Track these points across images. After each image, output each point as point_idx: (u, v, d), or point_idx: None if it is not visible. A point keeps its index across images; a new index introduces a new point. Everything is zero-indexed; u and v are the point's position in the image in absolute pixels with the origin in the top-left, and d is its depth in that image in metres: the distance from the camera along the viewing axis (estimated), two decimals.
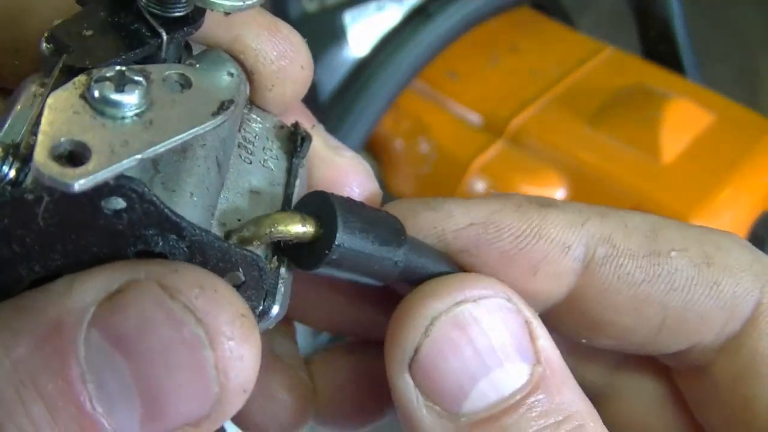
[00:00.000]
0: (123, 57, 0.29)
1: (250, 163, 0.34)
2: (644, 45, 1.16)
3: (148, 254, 0.27)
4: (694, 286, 0.33)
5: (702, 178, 0.90)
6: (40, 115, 0.26)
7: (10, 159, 0.26)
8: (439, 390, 0.30)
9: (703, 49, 1.16)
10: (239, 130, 0.35)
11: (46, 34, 0.30)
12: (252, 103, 0.37)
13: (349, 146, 0.98)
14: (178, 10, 0.30)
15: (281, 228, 0.30)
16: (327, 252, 0.30)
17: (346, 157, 0.39)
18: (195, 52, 0.33)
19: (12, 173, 0.26)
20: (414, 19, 1.00)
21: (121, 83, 0.26)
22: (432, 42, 0.99)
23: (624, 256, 0.34)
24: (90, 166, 0.24)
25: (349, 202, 0.31)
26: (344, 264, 0.30)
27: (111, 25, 0.30)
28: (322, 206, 0.31)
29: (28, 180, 0.26)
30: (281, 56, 0.34)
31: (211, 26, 0.31)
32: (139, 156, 0.25)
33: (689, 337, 0.35)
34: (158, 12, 0.30)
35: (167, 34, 0.30)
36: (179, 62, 0.31)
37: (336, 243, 0.29)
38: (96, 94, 0.26)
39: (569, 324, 0.36)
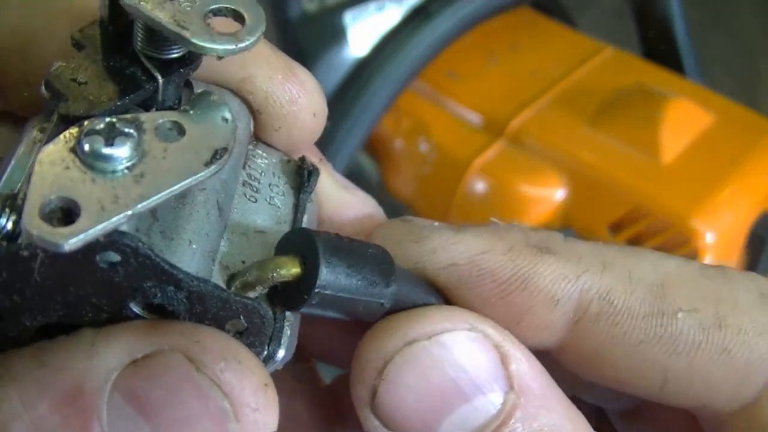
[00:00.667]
0: (118, 104, 0.28)
1: (255, 201, 0.34)
2: (644, 45, 1.16)
3: (147, 305, 0.27)
4: (701, 351, 0.30)
5: (702, 178, 0.90)
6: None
7: (7, 211, 0.26)
8: (404, 428, 0.29)
9: (703, 49, 1.16)
10: (244, 167, 0.35)
11: (44, 80, 0.29)
12: (258, 138, 0.36)
13: (349, 146, 0.98)
14: (174, 51, 0.29)
15: (284, 272, 0.29)
16: (306, 296, 0.29)
17: (357, 196, 0.38)
18: (197, 89, 0.32)
19: (9, 225, 0.26)
20: (414, 19, 1.00)
21: (111, 136, 0.26)
22: (432, 42, 0.99)
23: (621, 315, 0.31)
24: (80, 224, 0.23)
25: (334, 240, 0.30)
26: (328, 306, 0.30)
27: (107, 69, 0.29)
28: (305, 245, 0.30)
29: (23, 236, 0.26)
30: (292, 102, 0.33)
31: (222, 64, 0.30)
32: (129, 212, 0.24)
33: (695, 399, 0.32)
34: (154, 55, 0.29)
35: (163, 77, 0.29)
36: (179, 102, 0.31)
37: (316, 290, 0.29)
38: (86, 148, 0.25)
39: (566, 365, 0.34)
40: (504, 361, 0.30)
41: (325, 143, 0.96)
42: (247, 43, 0.28)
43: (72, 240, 0.23)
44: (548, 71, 1.05)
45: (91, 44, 0.30)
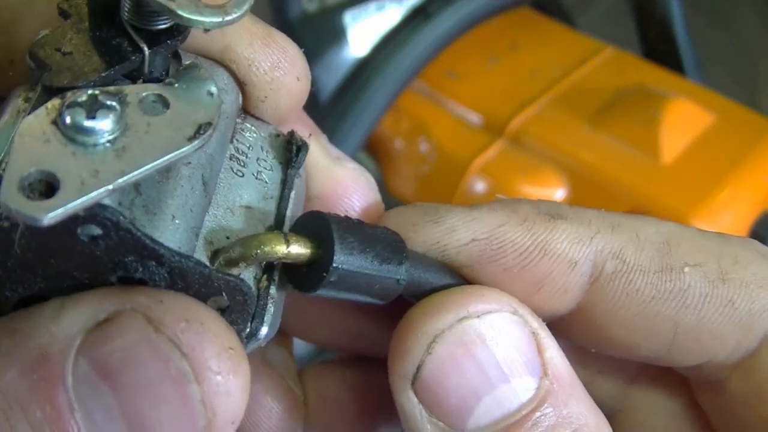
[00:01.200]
0: (103, 75, 0.28)
1: (242, 176, 0.33)
2: (644, 45, 1.16)
3: (129, 280, 0.26)
4: (708, 303, 0.32)
5: (702, 178, 0.90)
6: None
7: None
8: (444, 407, 0.30)
9: (703, 49, 1.16)
10: (231, 141, 0.34)
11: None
12: (246, 112, 0.36)
13: (349, 146, 0.98)
14: (162, 23, 0.29)
15: (267, 249, 0.29)
16: (325, 275, 0.29)
17: (348, 168, 0.38)
18: (185, 60, 0.32)
19: None
20: (414, 19, 1.00)
21: (94, 108, 0.25)
22: (432, 42, 0.99)
23: (634, 272, 0.32)
24: (59, 198, 0.23)
25: (346, 221, 0.30)
26: (344, 285, 0.30)
27: (92, 40, 0.29)
28: (319, 227, 0.30)
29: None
30: (275, 67, 0.33)
31: (202, 34, 0.30)
32: (110, 187, 0.24)
33: (701, 353, 0.34)
34: (141, 25, 0.29)
35: (149, 48, 0.29)
36: (166, 73, 0.30)
37: (334, 265, 0.29)
38: (67, 120, 0.25)
39: (578, 334, 0.35)
40: (540, 347, 0.31)
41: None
42: (235, 15, 0.28)
43: (51, 214, 0.23)
44: (548, 71, 1.05)
45: (77, 13, 0.30)
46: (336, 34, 1.30)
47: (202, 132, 0.27)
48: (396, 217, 0.35)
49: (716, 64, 1.36)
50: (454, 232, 0.32)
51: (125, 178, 0.25)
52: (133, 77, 0.30)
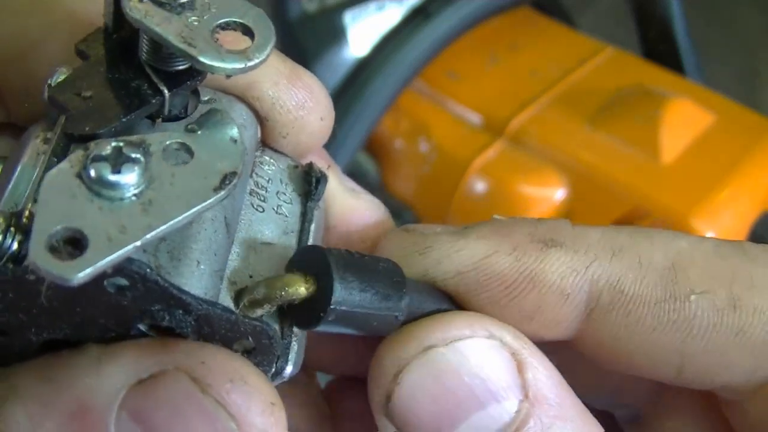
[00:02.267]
0: (123, 120, 0.28)
1: (263, 211, 0.33)
2: (644, 45, 1.16)
3: (156, 327, 0.26)
4: (716, 333, 0.30)
5: (702, 178, 0.90)
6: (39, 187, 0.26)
7: (12, 231, 0.25)
8: None
9: (703, 49, 1.16)
10: (251, 175, 0.34)
11: (47, 92, 0.29)
12: (265, 144, 0.36)
13: (349, 147, 0.98)
14: (181, 64, 0.29)
15: (291, 291, 0.29)
16: (322, 314, 0.29)
17: (364, 199, 0.38)
18: (203, 95, 0.32)
19: (14, 246, 0.25)
20: (414, 19, 1.00)
21: (119, 162, 0.25)
22: (432, 42, 0.99)
23: (633, 303, 0.30)
24: (88, 256, 0.23)
25: (346, 256, 0.30)
26: (342, 323, 0.29)
27: (111, 82, 0.29)
28: (317, 262, 0.30)
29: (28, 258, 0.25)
30: (299, 107, 0.33)
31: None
32: (138, 243, 0.24)
33: (713, 380, 0.32)
34: (160, 67, 0.29)
35: (169, 90, 0.29)
36: (185, 110, 0.30)
37: (331, 305, 0.29)
38: (93, 174, 0.25)
39: (585, 354, 0.33)
40: (520, 368, 0.30)
41: (325, 143, 0.96)
42: (257, 61, 0.27)
43: (80, 274, 0.23)
44: (548, 71, 1.05)
45: (95, 54, 0.30)
46: (336, 34, 1.30)
47: (227, 182, 0.27)
48: (388, 246, 0.34)
49: (716, 64, 1.36)
50: (440, 265, 0.31)
51: (153, 233, 0.25)
52: (152, 116, 0.30)
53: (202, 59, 0.27)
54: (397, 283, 0.31)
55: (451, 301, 0.32)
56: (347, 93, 0.97)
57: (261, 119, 0.33)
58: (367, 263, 0.30)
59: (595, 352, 0.32)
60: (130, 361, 0.25)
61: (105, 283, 0.25)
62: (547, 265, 0.31)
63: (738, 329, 0.30)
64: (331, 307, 0.28)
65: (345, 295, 0.29)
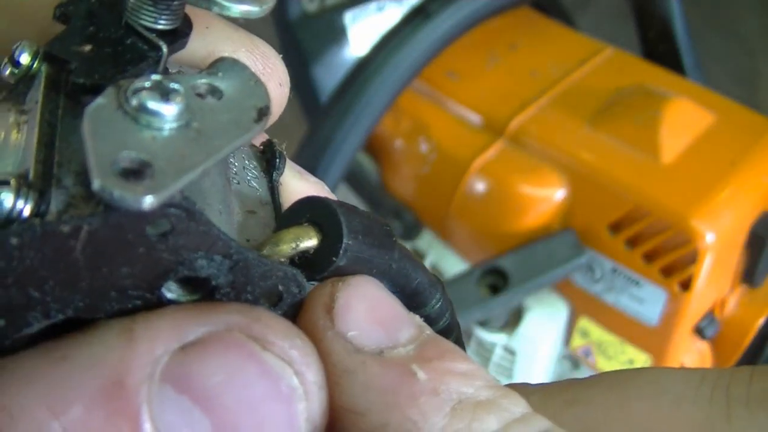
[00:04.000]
0: (132, 69, 0.27)
1: (239, 183, 0.33)
2: (644, 45, 1.16)
3: (187, 282, 0.25)
4: None
5: (702, 178, 0.90)
6: (47, 139, 0.25)
7: (25, 191, 0.23)
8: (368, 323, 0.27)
9: (703, 49, 1.16)
10: None
11: (26, 51, 0.28)
12: None
13: (349, 146, 0.98)
14: (170, 22, 0.28)
15: (302, 244, 0.28)
16: (335, 258, 0.28)
17: (310, 182, 0.38)
18: (171, 69, 0.31)
19: (28, 207, 0.23)
20: (414, 19, 1.00)
21: (165, 92, 0.24)
22: (432, 42, 1.00)
23: None
24: (156, 181, 0.22)
25: (344, 205, 0.30)
26: (349, 270, 0.29)
27: (103, 40, 0.28)
28: (318, 212, 0.29)
29: (52, 209, 0.23)
30: (259, 74, 0.32)
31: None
32: (201, 168, 0.23)
33: None
34: (151, 25, 0.28)
35: (168, 46, 0.28)
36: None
37: (343, 248, 0.28)
38: (136, 104, 0.24)
39: None
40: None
41: (325, 143, 0.96)
42: (268, 5, 0.27)
43: (150, 197, 0.21)
44: (548, 71, 1.06)
45: (78, 17, 0.29)
46: (336, 34, 1.30)
47: (264, 113, 0.26)
48: None
49: (716, 64, 1.36)
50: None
51: (213, 158, 0.23)
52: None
53: (221, 0, 0.26)
54: (388, 233, 0.31)
55: (429, 272, 0.33)
56: (347, 93, 0.97)
57: None
58: (360, 212, 0.30)
59: None
60: (170, 325, 0.22)
61: (147, 228, 0.23)
62: None
63: None
64: (343, 248, 0.28)
65: (352, 238, 0.28)
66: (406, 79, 0.99)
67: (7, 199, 0.22)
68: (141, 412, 0.21)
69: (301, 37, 1.26)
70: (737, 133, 0.96)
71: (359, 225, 0.29)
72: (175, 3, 0.28)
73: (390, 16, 1.31)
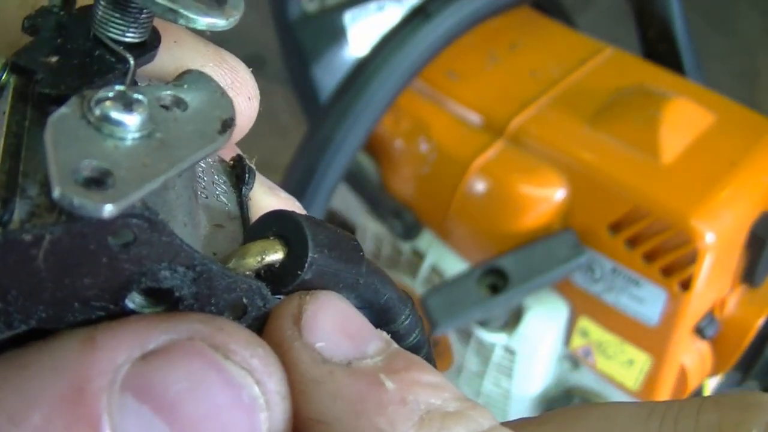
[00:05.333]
0: (99, 81, 0.27)
1: (207, 197, 0.33)
2: (644, 45, 1.16)
3: (151, 293, 0.25)
4: None
5: (702, 178, 0.90)
6: (13, 150, 0.25)
7: None
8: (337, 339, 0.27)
9: (703, 49, 1.16)
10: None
11: None
12: None
13: (349, 146, 0.98)
14: (138, 35, 0.28)
15: (267, 257, 0.28)
16: (299, 272, 0.28)
17: (281, 197, 0.37)
18: (141, 83, 0.31)
19: None
20: (414, 19, 1.00)
21: (127, 102, 0.24)
22: (432, 42, 1.00)
23: None
24: (117, 189, 0.22)
25: (310, 218, 0.30)
26: (313, 285, 0.29)
27: (71, 51, 0.28)
28: (284, 226, 0.29)
29: (15, 218, 0.23)
30: (227, 87, 0.32)
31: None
32: (163, 177, 0.23)
33: None
34: (118, 38, 0.28)
35: (135, 59, 0.28)
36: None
37: (308, 261, 0.28)
38: (99, 113, 0.24)
39: None
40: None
41: (325, 143, 0.96)
42: (234, 18, 0.27)
43: (109, 206, 0.21)
44: (548, 71, 1.06)
45: (45, 29, 0.29)
46: (336, 34, 1.30)
47: (228, 125, 0.26)
48: None
49: (716, 64, 1.36)
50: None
51: (175, 168, 0.24)
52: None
53: (186, 13, 0.26)
54: (356, 248, 0.31)
55: (398, 290, 0.33)
56: (347, 93, 0.98)
57: None
58: (327, 226, 0.30)
59: None
60: (131, 334, 0.22)
61: (109, 239, 0.23)
62: None
63: None
64: (308, 262, 0.28)
65: (318, 252, 0.28)
66: (406, 79, 0.99)
67: None
68: (101, 420, 0.21)
69: (301, 37, 1.26)
70: (737, 133, 0.96)
71: (325, 239, 0.29)
72: (143, 16, 0.28)
73: (390, 16, 1.31)
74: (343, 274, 0.30)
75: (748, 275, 0.95)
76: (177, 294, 0.25)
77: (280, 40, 1.29)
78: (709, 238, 0.86)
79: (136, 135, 0.24)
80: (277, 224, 0.30)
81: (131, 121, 0.24)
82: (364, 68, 0.98)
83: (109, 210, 0.21)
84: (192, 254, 0.25)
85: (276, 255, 0.28)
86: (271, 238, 0.29)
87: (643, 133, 0.93)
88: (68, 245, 0.22)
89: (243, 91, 0.33)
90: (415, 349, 0.33)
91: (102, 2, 0.28)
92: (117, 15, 0.28)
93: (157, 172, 0.23)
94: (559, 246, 0.93)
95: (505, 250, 0.95)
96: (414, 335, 0.33)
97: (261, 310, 0.28)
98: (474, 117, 1.02)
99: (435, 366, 0.29)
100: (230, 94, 0.30)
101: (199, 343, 0.23)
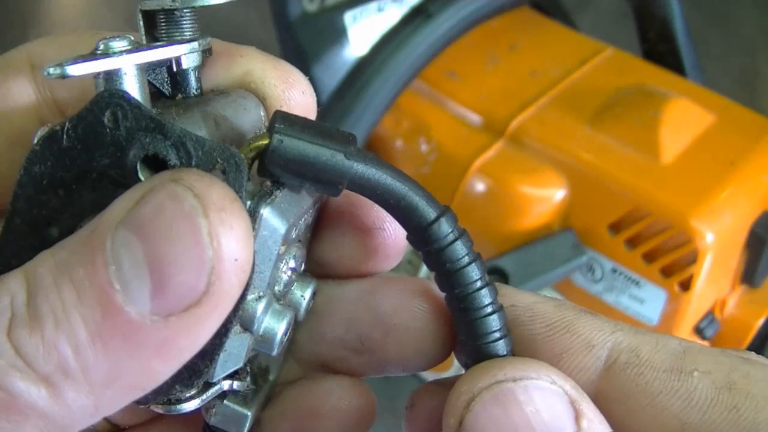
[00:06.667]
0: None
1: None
2: (644, 45, 1.16)
3: (154, 164, 0.31)
4: (713, 407, 0.35)
5: (702, 178, 0.90)
6: None
7: None
8: None
9: (703, 49, 1.16)
10: None
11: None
12: None
13: None
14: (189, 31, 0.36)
15: (255, 144, 0.33)
16: (270, 141, 0.33)
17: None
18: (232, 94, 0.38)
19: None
20: (414, 19, 1.00)
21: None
22: (432, 42, 1.00)
23: (645, 366, 0.36)
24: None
25: (302, 117, 0.35)
26: (290, 166, 0.33)
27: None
28: (273, 121, 0.34)
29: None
30: (283, 80, 0.39)
31: (222, 66, 0.38)
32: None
33: None
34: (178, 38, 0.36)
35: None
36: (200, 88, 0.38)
37: (274, 142, 0.33)
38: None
39: (602, 410, 0.38)
40: (578, 417, 0.34)
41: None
42: None
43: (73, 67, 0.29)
44: (548, 71, 1.06)
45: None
46: (336, 34, 1.30)
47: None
48: None
49: (716, 65, 1.36)
50: (503, 297, 0.38)
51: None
52: (163, 94, 0.37)
53: None
54: (347, 135, 0.35)
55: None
56: (347, 93, 0.98)
57: (261, 100, 0.40)
58: (320, 123, 0.35)
59: (610, 408, 0.37)
60: (130, 192, 0.30)
61: (104, 118, 0.30)
62: (580, 320, 0.37)
63: (732, 406, 0.34)
64: (274, 143, 0.33)
65: (287, 125, 0.33)
66: (406, 79, 0.99)
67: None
68: (100, 246, 0.29)
69: (301, 37, 1.26)
70: (737, 133, 0.96)
71: (300, 123, 0.34)
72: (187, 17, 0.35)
73: (390, 16, 1.31)
74: (326, 148, 0.34)
75: (748, 275, 0.95)
76: (171, 163, 0.31)
77: (280, 40, 1.29)
78: (709, 238, 0.86)
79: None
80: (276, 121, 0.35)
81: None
82: (364, 68, 0.98)
83: (68, 70, 0.29)
84: (162, 122, 0.31)
85: (263, 141, 0.34)
86: (266, 132, 0.35)
87: (643, 133, 0.93)
88: (81, 128, 0.31)
89: (297, 87, 0.40)
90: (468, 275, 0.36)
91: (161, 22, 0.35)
92: (163, 23, 0.35)
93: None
94: (559, 246, 0.93)
95: (505, 250, 0.95)
96: (463, 254, 0.37)
97: (238, 173, 0.32)
98: (474, 117, 1.02)
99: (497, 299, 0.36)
100: (286, 86, 0.39)
101: (166, 181, 0.29)
